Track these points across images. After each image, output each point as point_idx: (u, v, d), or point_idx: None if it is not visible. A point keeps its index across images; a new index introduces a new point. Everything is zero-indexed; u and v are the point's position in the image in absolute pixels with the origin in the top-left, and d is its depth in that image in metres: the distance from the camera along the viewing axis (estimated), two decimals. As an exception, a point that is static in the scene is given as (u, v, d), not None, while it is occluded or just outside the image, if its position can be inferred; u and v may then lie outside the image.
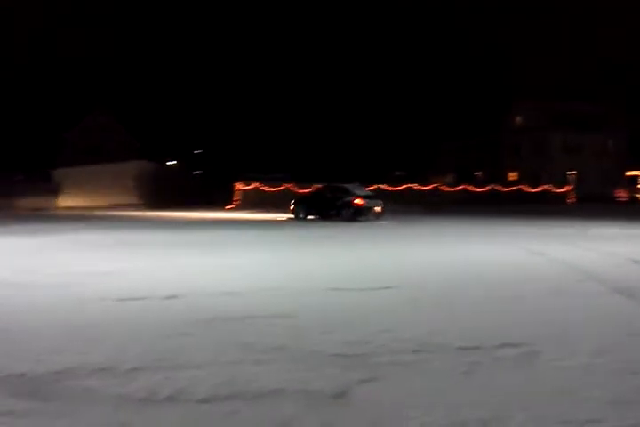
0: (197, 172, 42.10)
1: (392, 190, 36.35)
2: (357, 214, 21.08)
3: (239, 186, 35.23)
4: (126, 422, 2.95)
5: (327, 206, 21.74)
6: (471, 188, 39.36)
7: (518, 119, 50.55)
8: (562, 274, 8.22)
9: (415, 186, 37.73)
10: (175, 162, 43.29)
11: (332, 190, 22.51)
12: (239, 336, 4.60)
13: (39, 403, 3.19)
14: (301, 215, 22.79)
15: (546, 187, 39.59)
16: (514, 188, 40.17)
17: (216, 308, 5.70)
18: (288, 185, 34.74)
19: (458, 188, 39.29)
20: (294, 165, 40.81)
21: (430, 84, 50.36)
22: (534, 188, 39.55)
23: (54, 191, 32.07)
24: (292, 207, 23.50)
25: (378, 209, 21.81)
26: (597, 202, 37.50)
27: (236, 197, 34.84)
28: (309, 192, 26.84)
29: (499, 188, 39.72)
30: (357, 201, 21.23)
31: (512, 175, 49.44)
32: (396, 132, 49.30)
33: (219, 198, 34.40)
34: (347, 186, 22.94)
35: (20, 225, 17.64)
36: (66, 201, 31.53)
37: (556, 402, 3.31)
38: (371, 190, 28.06)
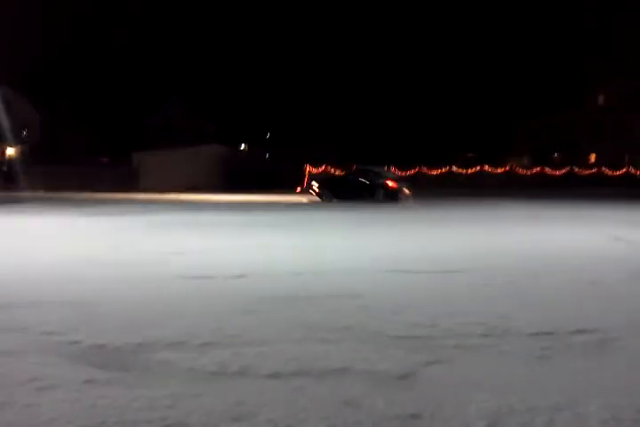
0: (268, 155, 42.69)
1: (462, 173, 35.52)
2: (391, 196, 21.24)
3: (309, 169, 35.46)
4: (198, 394, 3.07)
5: (358, 189, 21.75)
6: (548, 170, 37.89)
7: (601, 98, 48.06)
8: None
9: (488, 168, 36.70)
10: (246, 146, 44.05)
11: (363, 173, 22.67)
12: (305, 316, 4.67)
13: (118, 373, 3.37)
14: (327, 197, 22.88)
15: (629, 170, 37.56)
16: (594, 170, 38.34)
17: (282, 287, 5.80)
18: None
19: (533, 170, 37.92)
20: (363, 148, 40.51)
21: (507, 62, 48.37)
22: (616, 171, 37.58)
23: (134, 174, 33.41)
24: (316, 190, 23.72)
25: (407, 191, 22.14)
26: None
27: (305, 179, 35.11)
28: (332, 175, 29.33)
29: (577, 170, 38.03)
30: (390, 183, 21.56)
31: (592, 157, 47.22)
32: (469, 111, 47.85)
33: (289, 181, 34.79)
34: (377, 169, 23.41)
35: (102, 207, 18.52)
36: (144, 184, 32.79)
37: (632, 391, 3.18)
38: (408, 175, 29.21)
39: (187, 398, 3.01)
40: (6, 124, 35.27)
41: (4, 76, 37.16)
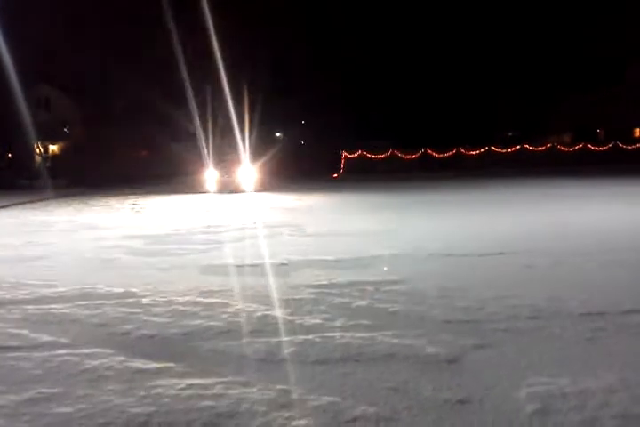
0: (303, 142, 42.66)
1: (502, 152, 34.80)
2: None
3: (345, 154, 35.30)
4: (247, 382, 3.10)
5: None
6: (591, 146, 36.80)
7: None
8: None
9: (528, 146, 35.84)
10: (281, 133, 44.09)
11: None
12: (350, 302, 4.66)
13: (168, 363, 3.44)
14: None
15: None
16: (638, 145, 37.05)
17: (325, 274, 5.80)
18: (393, 151, 34.36)
19: (576, 147, 36.87)
20: (397, 130, 39.87)
21: (545, 37, 46.83)
22: (661, 145, 36.25)
23: (173, 164, 33.91)
24: None
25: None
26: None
27: (342, 164, 34.97)
28: None
29: (621, 145, 36.82)
30: None
31: (637, 132, 45.65)
32: (507, 90, 46.65)
33: (326, 167, 34.68)
34: None
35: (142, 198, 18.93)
36: (183, 169, 33.40)
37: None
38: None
39: (236, 387, 3.05)
40: (46, 120, 36.22)
41: (45, 74, 38.01)
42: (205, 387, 3.05)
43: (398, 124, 41.37)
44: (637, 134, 45.15)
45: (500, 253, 6.66)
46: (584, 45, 46.26)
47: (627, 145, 37.12)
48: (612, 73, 47.85)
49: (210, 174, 20.91)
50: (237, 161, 21.47)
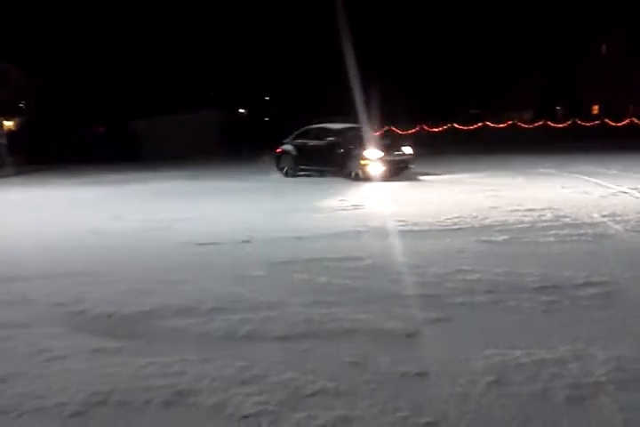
0: (267, 119, 42.22)
1: (465, 129, 35.11)
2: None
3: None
4: (207, 359, 3.10)
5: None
6: (551, 123, 37.42)
7: (604, 47, 47.06)
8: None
9: (490, 124, 36.25)
10: (245, 110, 43.49)
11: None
12: (312, 278, 4.68)
13: (126, 341, 3.41)
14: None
15: (632, 120, 37.02)
16: (596, 122, 37.85)
17: (286, 251, 5.80)
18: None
19: (536, 124, 37.45)
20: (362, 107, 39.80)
21: (506, 16, 47.09)
22: (618, 121, 37.09)
23: (132, 142, 33.14)
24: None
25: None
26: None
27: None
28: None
29: (580, 122, 37.56)
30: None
31: (595, 109, 46.60)
32: (469, 69, 46.96)
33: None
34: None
35: (102, 175, 18.43)
36: (143, 152, 32.58)
37: (638, 342, 3.19)
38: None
39: (196, 364, 3.04)
40: (1, 96, 34.90)
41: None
42: (165, 365, 3.03)
43: (364, 102, 41.23)
44: (596, 111, 46.07)
45: (458, 229, 6.74)
46: (545, 25, 46.70)
47: (585, 122, 37.86)
48: (572, 52, 48.48)
49: (370, 154, 13.09)
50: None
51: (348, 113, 18.60)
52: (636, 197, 8.99)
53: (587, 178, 12.00)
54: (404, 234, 6.53)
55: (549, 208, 7.99)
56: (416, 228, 6.86)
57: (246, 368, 2.96)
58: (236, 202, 10.49)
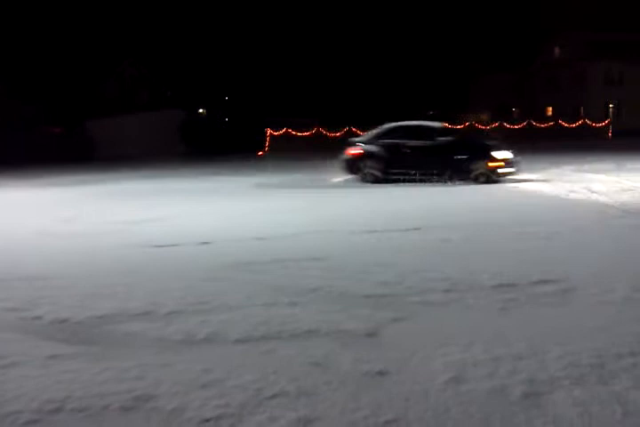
0: (227, 119, 41.88)
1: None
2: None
3: (270, 131, 34.99)
4: (166, 363, 3.05)
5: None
6: (507, 124, 38.24)
7: (557, 51, 48.33)
8: (600, 210, 8.03)
9: (447, 125, 36.80)
10: (204, 110, 43.03)
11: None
12: (272, 279, 4.66)
13: (82, 347, 3.32)
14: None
15: (584, 121, 38.15)
16: (551, 123, 38.85)
17: (247, 252, 5.78)
18: (319, 129, 34.35)
19: (493, 125, 38.21)
20: (320, 108, 39.79)
21: (463, 18, 47.92)
22: (572, 122, 38.17)
23: (89, 143, 32.41)
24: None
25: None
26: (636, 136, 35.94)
27: (267, 142, 34.67)
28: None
29: (535, 124, 38.50)
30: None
31: (549, 110, 47.82)
32: (427, 69, 47.63)
33: (249, 144, 34.25)
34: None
35: (56, 177, 17.98)
36: (100, 152, 31.89)
37: (592, 337, 3.28)
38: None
39: (155, 369, 2.99)
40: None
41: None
42: (123, 370, 2.97)
43: (323, 102, 41.36)
44: (550, 113, 47.26)
45: (416, 229, 6.82)
46: (501, 28, 47.77)
47: (540, 123, 38.82)
48: (527, 54, 49.66)
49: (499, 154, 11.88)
50: None
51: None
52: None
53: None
54: None
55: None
56: None
57: (206, 372, 2.92)
58: (198, 203, 10.37)
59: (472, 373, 2.86)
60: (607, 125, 38.56)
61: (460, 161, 11.99)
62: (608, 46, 43.86)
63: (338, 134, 33.84)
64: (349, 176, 13.14)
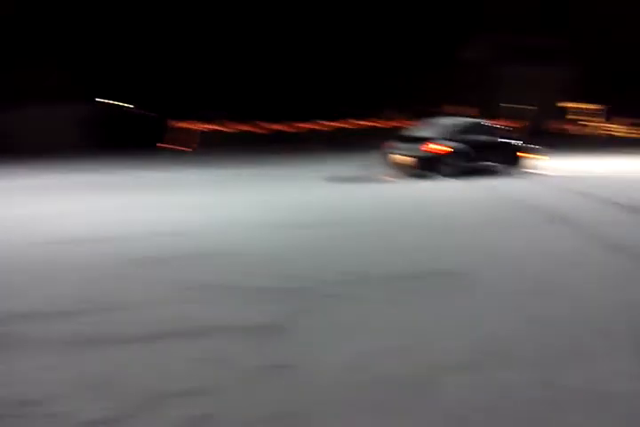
0: (150, 114, 40.51)
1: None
2: None
3: (192, 126, 34.20)
4: (51, 366, 2.86)
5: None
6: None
7: (471, 53, 50.14)
8: (498, 205, 8.38)
9: (374, 123, 37.37)
10: (126, 105, 41.44)
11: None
12: (175, 275, 4.51)
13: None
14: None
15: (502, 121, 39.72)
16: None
17: (149, 248, 5.56)
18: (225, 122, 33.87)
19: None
20: (230, 102, 38.79)
21: (381, 20, 48.68)
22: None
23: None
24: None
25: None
26: (546, 135, 37.92)
27: (193, 137, 33.84)
28: None
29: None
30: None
31: (469, 110, 49.57)
32: (347, 68, 48.03)
33: (173, 139, 33.31)
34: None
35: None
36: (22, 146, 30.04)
37: (479, 326, 3.35)
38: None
39: (42, 372, 2.79)
40: None
41: None
42: (2, 374, 2.76)
43: (230, 96, 40.56)
44: (469, 113, 48.96)
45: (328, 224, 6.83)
46: (419, 30, 49.01)
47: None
48: (443, 56, 51.21)
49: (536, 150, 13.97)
50: None
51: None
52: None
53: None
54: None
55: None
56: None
57: (96, 373, 2.76)
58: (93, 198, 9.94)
59: (370, 363, 2.85)
60: (524, 126, 40.40)
61: (515, 155, 13.64)
62: (516, 49, 46.03)
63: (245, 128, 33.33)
64: (424, 173, 12.56)
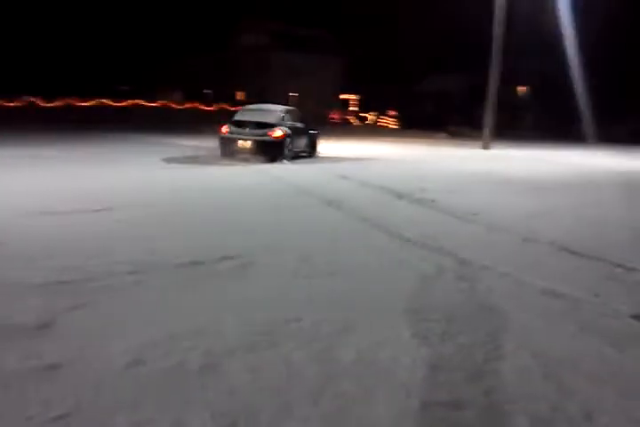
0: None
1: (116, 106, 34.02)
2: None
3: None
4: None
5: None
6: (201, 106, 39.01)
7: (244, 38, 50.82)
8: (281, 190, 8.78)
9: (142, 102, 35.88)
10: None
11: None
12: None
13: None
14: None
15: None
16: (240, 107, 41.01)
17: None
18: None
19: (187, 105, 38.55)
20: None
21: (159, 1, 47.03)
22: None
23: None
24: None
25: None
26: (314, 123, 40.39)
27: None
28: None
29: (228, 106, 40.15)
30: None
31: (240, 94, 50.27)
32: (119, 43, 45.50)
33: None
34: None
35: None
36: None
37: (266, 305, 3.57)
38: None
39: None
40: None
41: None
42: None
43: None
44: (239, 97, 49.70)
45: (101, 210, 6.49)
46: (196, 13, 48.40)
47: (231, 106, 40.62)
48: (219, 39, 51.22)
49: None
50: None
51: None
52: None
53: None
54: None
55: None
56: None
57: None
58: None
59: (151, 353, 2.85)
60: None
61: (315, 141, 15.49)
62: (288, 38, 47.94)
63: (12, 104, 30.23)
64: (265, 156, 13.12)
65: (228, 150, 13.30)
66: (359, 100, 54.11)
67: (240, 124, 13.49)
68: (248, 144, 13.07)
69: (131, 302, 3.53)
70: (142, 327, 3.15)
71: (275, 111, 14.23)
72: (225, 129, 13.48)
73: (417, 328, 3.31)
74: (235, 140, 13.17)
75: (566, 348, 3.12)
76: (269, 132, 13.09)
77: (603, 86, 33.71)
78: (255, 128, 13.21)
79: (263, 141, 13.02)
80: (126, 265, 4.26)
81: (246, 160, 13.12)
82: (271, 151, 13.17)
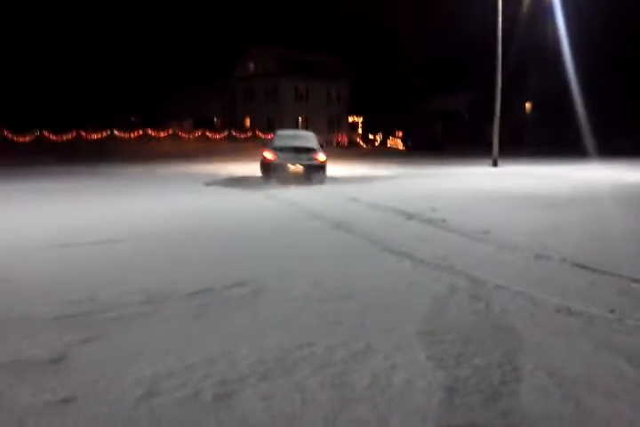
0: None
1: (125, 137, 34.45)
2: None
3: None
4: None
5: None
6: (209, 133, 39.41)
7: (251, 65, 51.61)
8: (290, 214, 8.80)
9: (151, 132, 36.33)
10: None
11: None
12: None
13: None
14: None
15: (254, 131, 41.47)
16: (249, 134, 41.34)
17: None
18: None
19: (196, 134, 38.97)
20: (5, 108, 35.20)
21: (163, 29, 48.06)
22: (267, 133, 41.18)
23: None
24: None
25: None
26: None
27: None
28: None
29: (235, 133, 40.51)
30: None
31: (247, 121, 50.84)
32: (131, 73, 46.37)
33: None
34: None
35: None
36: None
37: (279, 331, 3.56)
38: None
39: None
40: None
41: None
42: None
43: (8, 102, 36.91)
44: (248, 124, 50.26)
45: (114, 241, 6.54)
46: (202, 43, 49.36)
47: (240, 133, 41.01)
48: (225, 67, 52.03)
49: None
50: None
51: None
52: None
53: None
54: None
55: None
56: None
57: None
58: None
59: (165, 384, 2.84)
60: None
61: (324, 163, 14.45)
62: (296, 64, 48.64)
63: (27, 139, 30.72)
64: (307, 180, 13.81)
65: (279, 175, 13.82)
66: (365, 123, 54.48)
67: (284, 149, 13.95)
68: (300, 169, 13.76)
69: (142, 332, 3.53)
70: (155, 358, 3.14)
71: (310, 137, 15.15)
72: (271, 155, 13.85)
73: (432, 350, 3.28)
74: (284, 166, 13.69)
75: (582, 366, 3.08)
76: (314, 156, 13.89)
77: (605, 100, 33.80)
78: (300, 153, 13.87)
79: (311, 165, 13.78)
80: (139, 295, 4.28)
81: (296, 183, 13.71)
82: (317, 174, 13.92)
